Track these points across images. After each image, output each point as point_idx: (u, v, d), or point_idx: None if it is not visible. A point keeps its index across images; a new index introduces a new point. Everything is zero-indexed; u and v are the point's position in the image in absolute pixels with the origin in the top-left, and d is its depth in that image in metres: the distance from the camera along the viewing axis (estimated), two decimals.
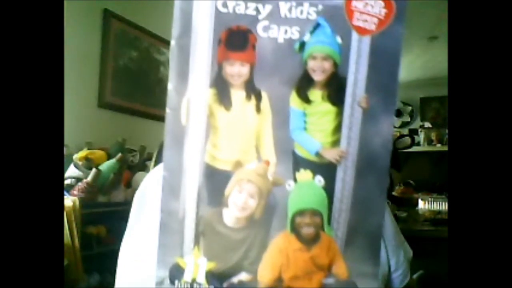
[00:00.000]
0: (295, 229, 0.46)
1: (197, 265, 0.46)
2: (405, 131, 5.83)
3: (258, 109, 0.47)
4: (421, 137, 5.74)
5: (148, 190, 0.67)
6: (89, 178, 1.88)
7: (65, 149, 2.00)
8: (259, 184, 0.46)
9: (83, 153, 2.04)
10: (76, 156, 2.01)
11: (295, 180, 0.46)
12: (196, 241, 0.47)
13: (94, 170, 1.89)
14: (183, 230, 0.47)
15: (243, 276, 0.46)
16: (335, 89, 0.47)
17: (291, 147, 0.48)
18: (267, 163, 0.47)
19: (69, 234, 1.75)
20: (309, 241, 0.46)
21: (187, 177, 0.46)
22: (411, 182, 4.10)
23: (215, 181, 0.47)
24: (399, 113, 5.96)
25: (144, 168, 2.31)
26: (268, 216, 0.47)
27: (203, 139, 0.46)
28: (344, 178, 0.46)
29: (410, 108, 5.97)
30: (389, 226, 0.67)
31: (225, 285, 0.46)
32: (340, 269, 0.46)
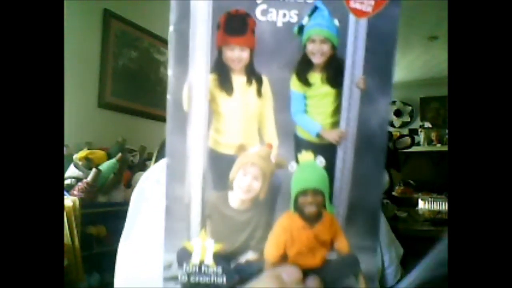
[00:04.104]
0: (298, 208, 0.46)
1: (204, 248, 0.46)
2: (405, 131, 5.84)
3: (259, 93, 0.47)
4: (421, 137, 5.75)
5: (146, 189, 0.68)
6: (89, 178, 1.89)
7: (65, 149, 2.01)
8: (263, 167, 0.47)
9: (83, 153, 2.05)
10: (76, 156, 2.02)
11: (297, 161, 0.47)
12: (203, 225, 0.47)
13: (94, 170, 1.90)
14: (189, 214, 0.47)
15: (250, 255, 0.47)
16: (334, 72, 0.47)
17: (293, 129, 0.48)
18: (270, 146, 0.47)
19: (69, 234, 1.75)
20: (312, 219, 0.46)
21: (191, 162, 0.46)
22: (411, 182, 4.10)
23: (220, 166, 0.47)
24: (399, 113, 5.97)
25: (144, 168, 2.32)
26: (272, 197, 0.47)
27: (206, 124, 0.46)
28: (344, 158, 0.47)
29: (410, 108, 5.99)
30: (382, 225, 0.68)
31: (232, 265, 0.46)
32: (342, 244, 0.46)
